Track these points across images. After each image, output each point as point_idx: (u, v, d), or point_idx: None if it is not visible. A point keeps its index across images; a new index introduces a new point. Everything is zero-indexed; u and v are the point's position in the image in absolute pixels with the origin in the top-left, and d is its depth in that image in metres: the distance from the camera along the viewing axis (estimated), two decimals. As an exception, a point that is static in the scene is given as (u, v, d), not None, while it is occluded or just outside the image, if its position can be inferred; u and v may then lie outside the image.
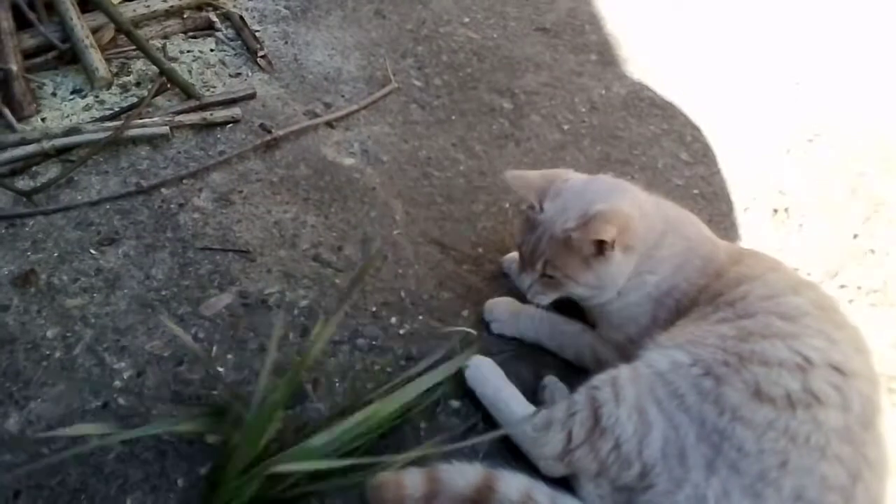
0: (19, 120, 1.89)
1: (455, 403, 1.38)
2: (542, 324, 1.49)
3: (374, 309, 1.56)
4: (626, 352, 1.33)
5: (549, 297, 1.41)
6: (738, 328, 1.17)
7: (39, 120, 1.94)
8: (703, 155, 2.07)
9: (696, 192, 1.95)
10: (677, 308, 1.34)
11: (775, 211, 1.91)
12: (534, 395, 1.40)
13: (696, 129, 2.16)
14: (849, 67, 2.44)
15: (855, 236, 1.84)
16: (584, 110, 2.20)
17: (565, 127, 2.13)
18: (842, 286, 1.70)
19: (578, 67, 2.39)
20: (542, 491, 1.15)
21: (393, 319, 1.54)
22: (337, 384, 1.40)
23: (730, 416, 1.07)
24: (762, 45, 2.53)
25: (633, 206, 1.35)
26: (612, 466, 1.14)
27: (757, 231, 1.83)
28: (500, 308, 1.53)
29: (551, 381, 1.41)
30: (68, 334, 1.44)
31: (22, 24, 2.05)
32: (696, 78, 2.37)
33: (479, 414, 1.37)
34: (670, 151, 2.08)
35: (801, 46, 2.54)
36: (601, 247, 1.28)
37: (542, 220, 1.34)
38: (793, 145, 2.13)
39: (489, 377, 1.37)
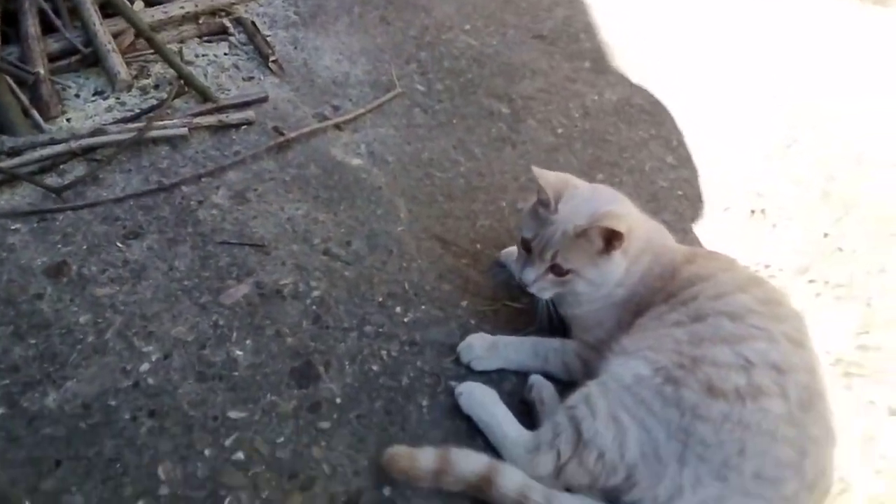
0: (46, 120, 2.02)
1: (453, 384, 1.51)
2: (524, 345, 1.57)
3: (380, 299, 1.69)
4: (600, 351, 1.46)
5: (550, 291, 1.51)
6: (690, 333, 1.30)
7: (65, 120, 2.06)
8: (687, 159, 2.21)
9: (679, 193, 2.09)
10: (637, 310, 1.48)
11: (752, 212, 2.05)
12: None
13: (681, 134, 2.29)
14: (825, 81, 2.58)
15: (825, 235, 1.98)
16: (578, 115, 2.34)
17: (559, 131, 2.26)
18: (811, 281, 1.84)
19: (573, 74, 2.52)
20: (537, 489, 1.26)
21: (398, 308, 1.67)
22: (347, 366, 1.53)
23: (690, 415, 1.21)
24: (746, 58, 2.67)
25: (629, 214, 1.50)
26: (600, 475, 1.26)
27: (735, 230, 1.97)
28: (476, 345, 1.56)
29: (537, 380, 1.52)
30: (99, 320, 1.57)
31: (47, 28, 2.18)
32: (683, 87, 2.51)
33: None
34: (657, 155, 2.22)
35: (782, 60, 2.67)
36: (611, 243, 1.41)
37: (555, 219, 1.46)
38: (771, 151, 2.26)
39: (483, 402, 1.45)
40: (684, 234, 1.71)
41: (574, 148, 2.20)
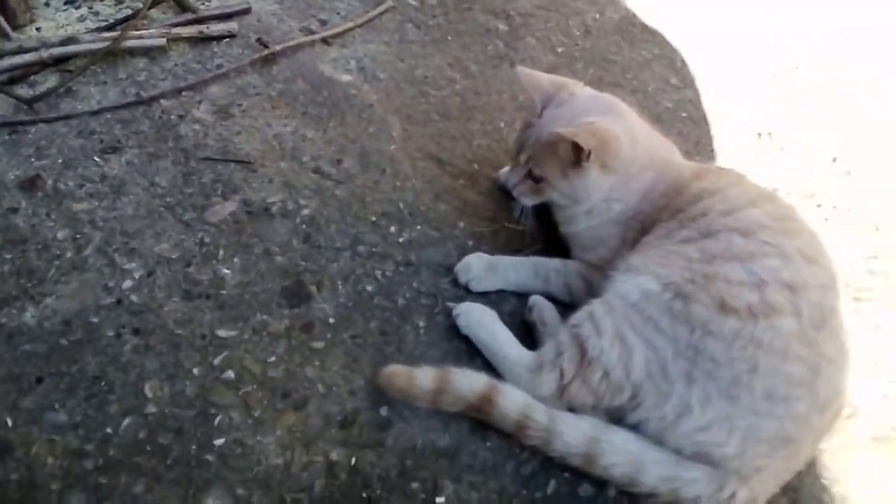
0: (14, 29, 1.89)
1: (451, 304, 1.45)
2: (524, 265, 1.50)
3: (373, 219, 1.61)
4: (604, 271, 1.39)
5: (530, 199, 1.47)
6: (701, 250, 1.24)
7: (34, 30, 1.93)
8: (691, 80, 2.12)
9: (684, 115, 2.01)
10: (642, 228, 1.41)
11: (759, 135, 1.98)
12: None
13: (685, 55, 2.20)
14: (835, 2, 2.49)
15: (834, 160, 1.92)
16: (578, 34, 2.23)
17: (559, 49, 2.16)
18: (819, 205, 1.79)
19: (573, -9, 2.40)
20: (539, 409, 1.22)
21: (392, 228, 1.60)
22: (340, 286, 1.47)
23: (700, 331, 1.16)
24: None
25: (625, 131, 1.40)
26: (605, 394, 1.22)
27: (741, 154, 1.90)
28: (474, 265, 1.49)
29: (538, 301, 1.46)
30: (78, 236, 1.48)
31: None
32: (688, 5, 2.40)
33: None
34: (661, 76, 2.13)
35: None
36: (578, 156, 1.34)
37: (537, 123, 1.42)
38: (777, 73, 2.18)
39: (482, 321, 1.39)
40: (689, 156, 1.63)
41: (575, 68, 2.10)
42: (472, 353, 1.38)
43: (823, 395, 1.15)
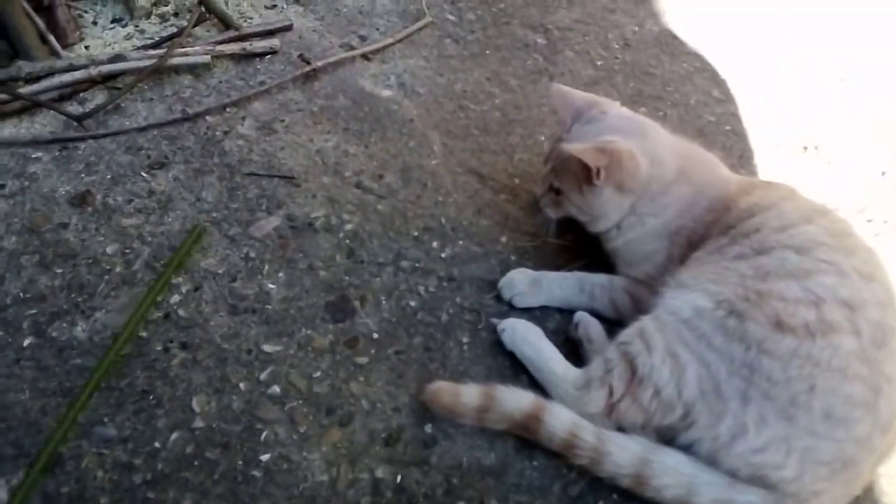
0: (64, 48, 1.93)
1: (495, 320, 1.44)
2: (568, 280, 1.49)
3: (415, 234, 1.61)
4: (651, 288, 1.37)
5: (553, 212, 1.51)
6: (755, 267, 1.21)
7: (83, 48, 1.98)
8: (734, 93, 2.09)
9: (727, 128, 1.98)
10: (689, 244, 1.39)
11: (805, 148, 1.94)
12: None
13: (728, 67, 2.17)
14: (880, 12, 2.43)
15: (883, 173, 1.87)
16: (618, 47, 2.21)
17: (599, 63, 2.15)
18: (869, 220, 1.74)
19: (611, 4, 2.39)
20: (587, 428, 1.20)
21: (434, 243, 1.60)
22: (383, 301, 1.47)
23: (756, 349, 1.13)
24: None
25: (645, 151, 1.38)
26: (655, 413, 1.19)
27: (786, 167, 1.86)
28: (517, 281, 1.48)
29: (584, 317, 1.44)
30: (127, 251, 1.51)
31: (62, -49, 2.07)
32: (729, 17, 2.37)
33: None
34: (702, 89, 2.10)
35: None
36: (588, 174, 1.35)
37: (565, 138, 1.45)
38: (823, 85, 2.14)
39: (527, 338, 1.38)
40: (734, 170, 1.61)
41: (615, 81, 2.09)
42: (517, 370, 1.37)
43: (885, 416, 1.11)
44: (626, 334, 1.25)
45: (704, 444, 1.15)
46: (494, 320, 1.44)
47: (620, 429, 1.22)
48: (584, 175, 1.37)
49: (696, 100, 2.06)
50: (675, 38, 2.28)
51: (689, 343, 1.18)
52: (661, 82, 2.11)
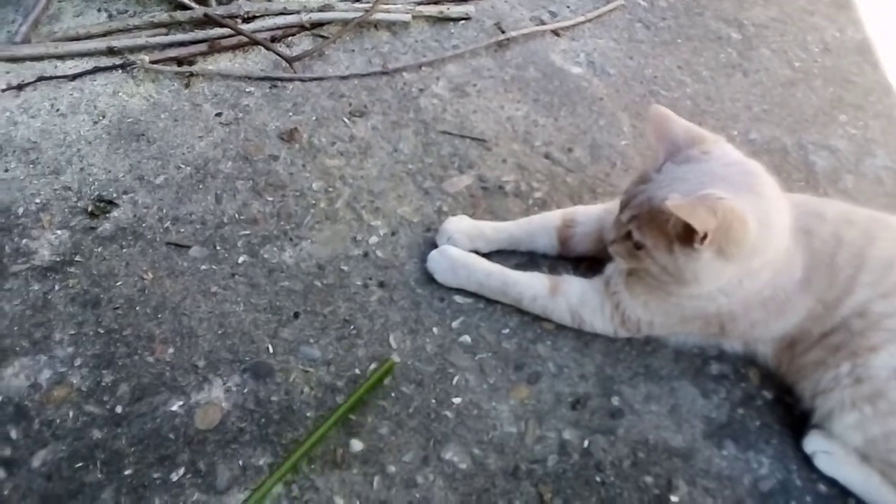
0: (276, -7, 2.03)
1: (715, 367, 1.36)
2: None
3: (604, 210, 1.61)
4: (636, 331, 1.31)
5: (625, 262, 1.24)
6: None
7: (294, -6, 2.07)
8: (945, 110, 1.96)
9: (937, 145, 1.86)
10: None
11: None
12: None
13: (939, 82, 2.04)
14: None
15: None
16: (817, 50, 2.12)
17: (796, 64, 2.06)
18: None
19: (810, 6, 2.28)
20: None
21: (623, 222, 1.59)
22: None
23: None
24: None
25: (757, 213, 1.11)
26: None
27: None
28: None
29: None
30: (330, 189, 1.58)
31: None
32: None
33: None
34: (910, 102, 1.98)
35: None
36: (690, 236, 1.09)
37: (654, 178, 1.17)
38: None
39: (846, 466, 1.20)
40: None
41: (813, 84, 2.00)
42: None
43: None
44: None
45: None
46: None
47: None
48: (684, 235, 1.10)
49: (900, 113, 1.95)
50: (878, 47, 2.16)
51: None
52: (862, 91, 2.00)
